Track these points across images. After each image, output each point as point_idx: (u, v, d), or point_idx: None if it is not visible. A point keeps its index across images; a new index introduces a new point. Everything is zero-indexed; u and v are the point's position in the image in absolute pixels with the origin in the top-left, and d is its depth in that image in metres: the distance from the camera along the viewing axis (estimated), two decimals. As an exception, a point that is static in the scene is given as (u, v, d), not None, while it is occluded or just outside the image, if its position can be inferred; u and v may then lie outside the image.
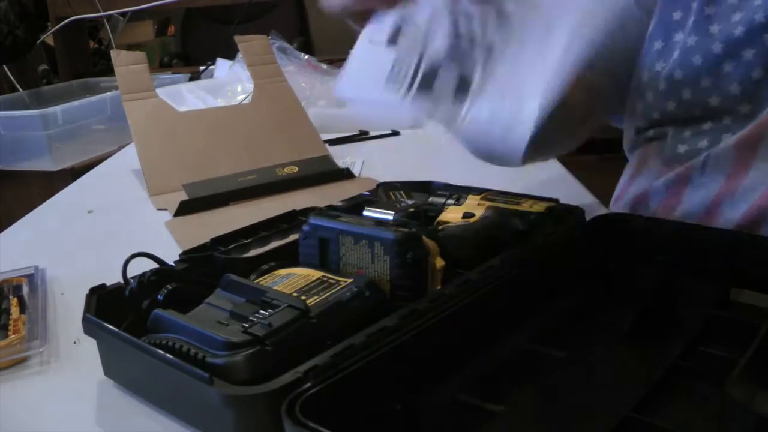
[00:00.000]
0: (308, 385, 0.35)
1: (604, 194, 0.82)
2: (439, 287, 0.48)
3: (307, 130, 1.03)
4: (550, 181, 0.87)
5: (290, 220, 0.61)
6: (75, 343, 0.54)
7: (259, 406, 0.36)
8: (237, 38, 1.09)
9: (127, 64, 0.98)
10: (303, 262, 0.51)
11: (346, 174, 0.94)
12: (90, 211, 0.88)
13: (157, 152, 0.93)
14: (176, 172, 0.90)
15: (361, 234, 0.48)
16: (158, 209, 0.86)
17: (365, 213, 0.55)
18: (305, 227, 0.52)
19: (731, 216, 0.63)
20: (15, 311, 0.57)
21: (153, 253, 0.51)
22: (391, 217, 0.53)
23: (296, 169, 0.94)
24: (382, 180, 0.69)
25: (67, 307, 0.61)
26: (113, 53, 1.00)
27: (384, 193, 0.65)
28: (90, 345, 0.48)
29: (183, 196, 0.85)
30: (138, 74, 0.98)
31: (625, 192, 0.76)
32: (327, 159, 0.99)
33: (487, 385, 0.43)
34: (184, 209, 0.83)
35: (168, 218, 0.82)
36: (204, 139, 0.97)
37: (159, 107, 0.98)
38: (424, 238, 0.48)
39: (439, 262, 0.48)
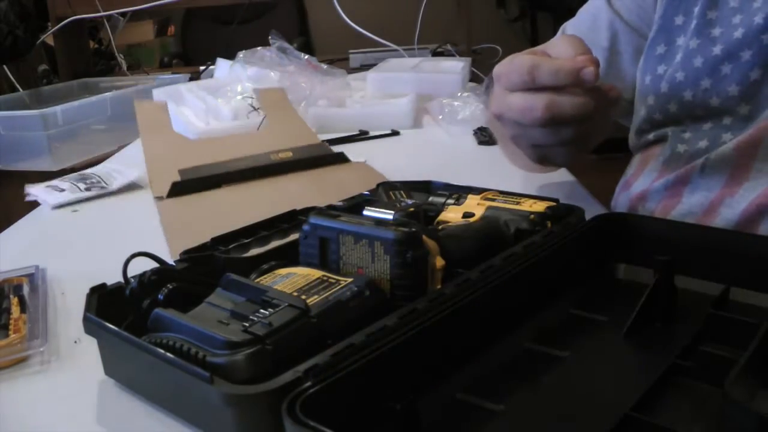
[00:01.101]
0: (308, 384, 0.35)
1: (604, 194, 0.82)
2: (439, 287, 0.48)
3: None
4: (550, 181, 0.87)
5: (290, 219, 0.61)
6: (75, 342, 0.54)
7: (260, 405, 0.36)
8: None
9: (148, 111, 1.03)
10: (303, 261, 0.51)
11: (341, 158, 0.93)
12: (75, 210, 0.88)
13: (162, 164, 0.93)
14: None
15: (361, 233, 0.48)
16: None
17: (365, 213, 0.55)
18: (305, 227, 0.52)
19: (731, 216, 0.63)
20: (15, 311, 0.57)
21: (153, 252, 0.51)
22: (391, 217, 0.53)
23: (290, 154, 0.93)
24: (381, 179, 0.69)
25: (68, 306, 0.61)
26: (136, 104, 1.05)
27: (384, 192, 0.65)
28: (90, 344, 0.48)
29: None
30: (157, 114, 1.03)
31: (625, 190, 0.76)
32: (321, 145, 0.97)
33: (487, 385, 0.43)
34: (176, 191, 0.82)
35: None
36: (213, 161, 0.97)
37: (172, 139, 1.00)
38: (424, 237, 0.48)
39: (439, 262, 0.48)
